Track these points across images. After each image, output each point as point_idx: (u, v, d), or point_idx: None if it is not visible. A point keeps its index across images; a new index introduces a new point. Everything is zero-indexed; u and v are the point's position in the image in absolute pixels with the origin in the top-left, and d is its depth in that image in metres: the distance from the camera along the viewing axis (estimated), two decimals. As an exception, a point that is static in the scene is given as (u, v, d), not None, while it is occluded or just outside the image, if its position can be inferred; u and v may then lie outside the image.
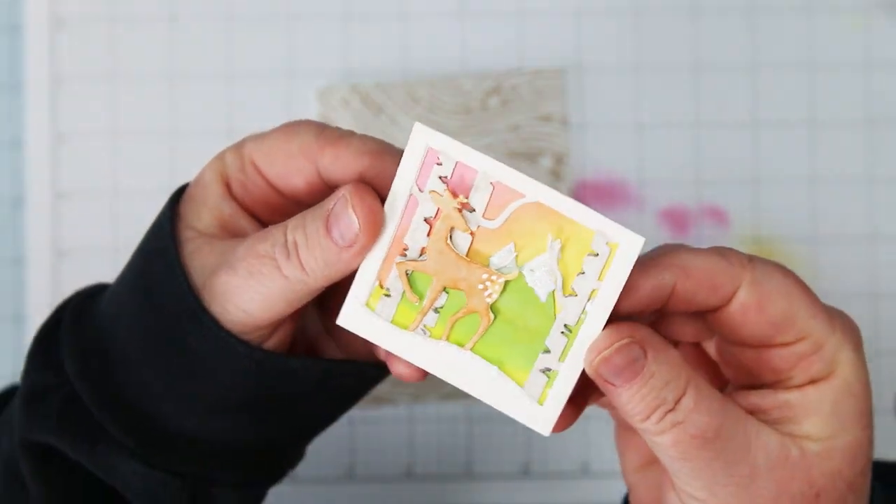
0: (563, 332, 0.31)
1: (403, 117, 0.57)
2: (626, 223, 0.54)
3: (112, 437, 0.35)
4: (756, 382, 0.33)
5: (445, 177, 0.31)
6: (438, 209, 0.32)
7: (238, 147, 0.35)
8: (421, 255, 0.32)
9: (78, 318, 0.37)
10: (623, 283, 0.31)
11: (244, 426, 0.36)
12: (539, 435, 0.56)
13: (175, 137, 0.58)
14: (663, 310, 0.32)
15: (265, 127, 0.57)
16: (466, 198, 0.31)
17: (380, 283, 0.32)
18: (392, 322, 0.32)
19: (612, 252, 0.31)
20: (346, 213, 0.31)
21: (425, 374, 0.33)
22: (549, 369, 0.32)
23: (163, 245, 0.34)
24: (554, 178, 0.57)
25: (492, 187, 0.31)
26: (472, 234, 0.32)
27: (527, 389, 0.32)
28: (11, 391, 0.42)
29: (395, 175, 0.32)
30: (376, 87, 0.57)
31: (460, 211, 0.31)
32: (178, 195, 0.36)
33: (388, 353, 0.33)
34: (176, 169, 0.58)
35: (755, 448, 0.31)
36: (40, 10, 0.58)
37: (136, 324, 0.35)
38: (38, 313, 0.57)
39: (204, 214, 0.34)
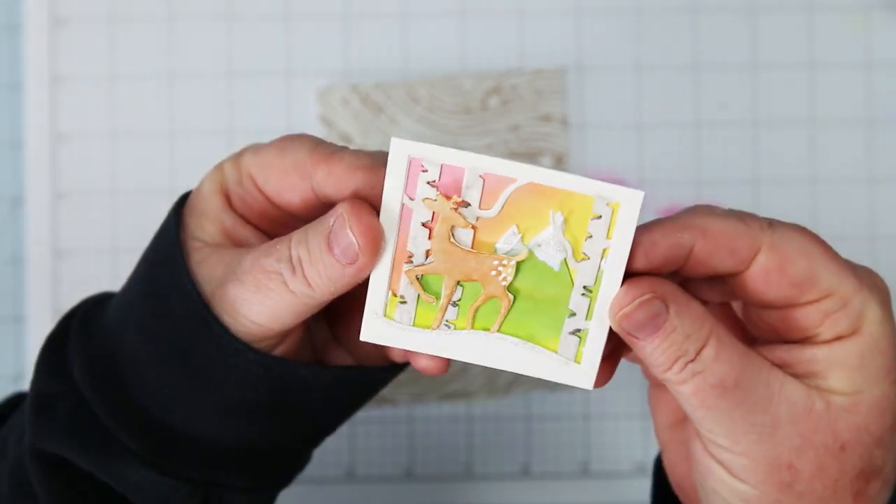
0: (583, 294, 0.32)
1: (403, 117, 0.57)
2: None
3: (122, 445, 0.35)
4: (782, 339, 0.33)
5: (434, 181, 0.32)
6: (434, 213, 0.32)
7: (237, 159, 0.35)
8: (427, 257, 0.33)
9: (86, 326, 0.37)
10: (632, 235, 0.31)
11: (254, 431, 0.36)
12: (539, 435, 0.57)
13: (175, 137, 0.58)
14: (682, 272, 0.32)
15: (265, 127, 0.57)
16: (459, 196, 0.32)
17: (392, 292, 0.33)
18: (414, 325, 0.33)
19: (614, 211, 0.32)
20: (344, 232, 0.31)
21: (448, 365, 0.34)
22: (578, 330, 0.33)
23: (170, 254, 0.34)
24: (554, 178, 0.57)
25: (482, 180, 0.32)
26: (473, 227, 0.32)
27: (561, 353, 0.33)
28: (18, 398, 0.42)
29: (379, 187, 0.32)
30: (376, 87, 0.57)
31: (456, 210, 0.32)
32: (181, 203, 0.36)
33: (408, 351, 0.34)
34: (175, 169, 0.58)
35: (778, 399, 0.31)
36: (40, 10, 0.58)
37: (145, 331, 0.35)
38: (37, 313, 0.57)
39: (207, 225, 0.35)
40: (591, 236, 0.32)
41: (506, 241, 0.32)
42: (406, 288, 0.33)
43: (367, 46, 0.58)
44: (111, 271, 0.57)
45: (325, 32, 0.58)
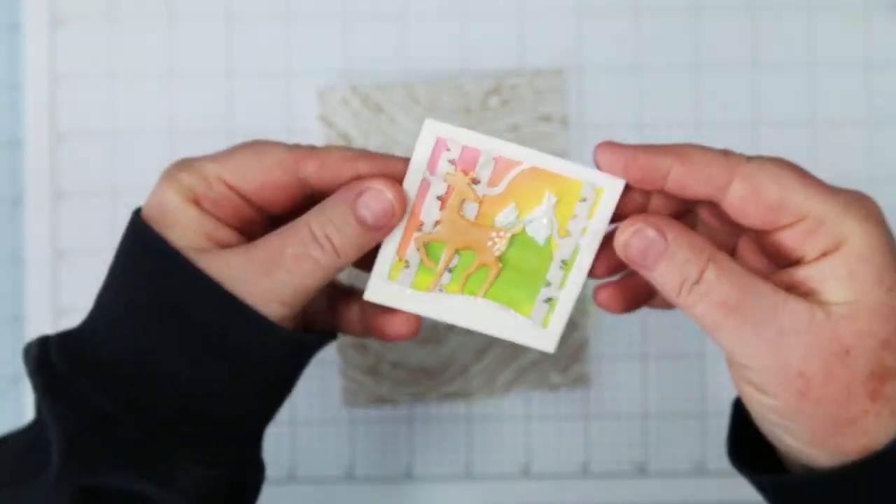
0: (560, 267, 0.37)
1: (403, 117, 0.57)
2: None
3: (168, 450, 0.36)
4: (780, 266, 0.36)
5: (454, 159, 0.36)
6: (450, 187, 0.37)
7: (191, 168, 0.37)
8: (435, 226, 0.37)
9: (77, 359, 0.37)
10: (609, 216, 0.36)
11: (277, 404, 0.39)
12: (539, 436, 0.57)
13: (174, 137, 0.58)
14: (666, 194, 0.36)
15: (265, 127, 0.57)
16: (474, 173, 0.37)
17: (399, 257, 0.37)
18: (412, 287, 0.38)
19: (598, 195, 0.36)
20: (381, 198, 0.36)
21: (417, 329, 0.40)
22: (550, 298, 0.37)
23: (174, 265, 0.36)
24: (554, 178, 0.57)
25: (494, 161, 0.37)
26: (480, 202, 0.37)
27: (533, 318, 0.37)
28: None
29: (388, 170, 0.37)
30: (376, 87, 0.57)
31: (470, 185, 0.37)
32: (137, 226, 0.38)
33: (377, 315, 0.40)
34: (175, 169, 0.57)
35: (781, 314, 0.33)
36: (39, 9, 0.58)
37: (171, 342, 0.36)
38: (36, 314, 0.57)
39: (189, 234, 0.37)
40: (575, 216, 0.37)
41: (504, 216, 0.37)
42: (412, 253, 0.37)
43: (367, 47, 0.58)
44: (111, 271, 0.57)
45: (326, 32, 0.58)
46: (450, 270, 0.37)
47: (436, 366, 0.57)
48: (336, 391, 0.57)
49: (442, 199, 0.37)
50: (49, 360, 0.37)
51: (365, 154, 0.37)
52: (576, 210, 0.36)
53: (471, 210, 0.37)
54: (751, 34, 0.58)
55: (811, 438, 0.34)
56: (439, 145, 0.36)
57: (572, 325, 0.57)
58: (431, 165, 0.36)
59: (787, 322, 0.33)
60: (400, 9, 0.58)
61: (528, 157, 0.37)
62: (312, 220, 0.36)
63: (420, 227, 0.37)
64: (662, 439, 0.57)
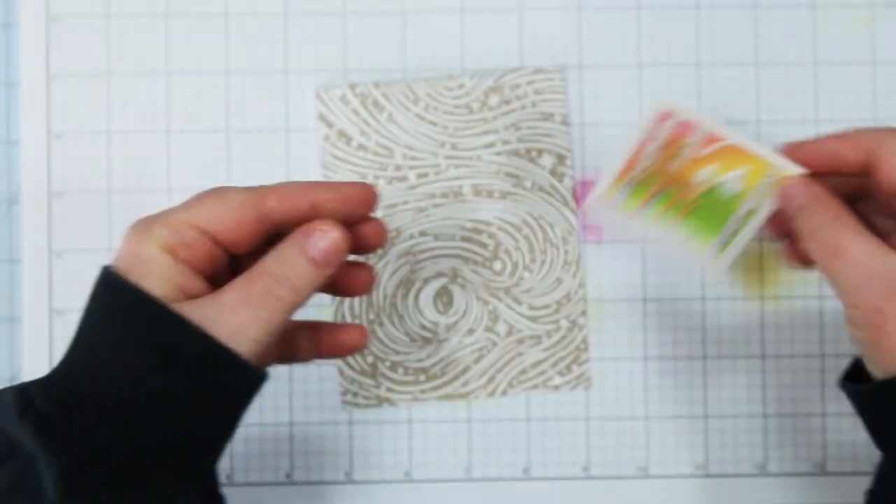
0: (740, 218, 0.46)
1: (403, 116, 0.57)
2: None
3: (156, 477, 0.39)
4: None
5: (673, 125, 0.46)
6: (664, 145, 0.46)
7: (162, 221, 0.40)
8: (645, 171, 0.47)
9: (63, 398, 0.39)
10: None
11: (229, 435, 0.42)
12: (540, 437, 0.56)
13: (171, 136, 0.57)
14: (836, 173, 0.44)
15: (263, 126, 0.57)
16: (686, 139, 0.46)
17: (615, 183, 0.47)
18: (622, 208, 0.47)
19: (779, 178, 0.45)
20: (328, 239, 0.40)
21: (366, 341, 0.47)
22: (731, 235, 0.46)
23: (155, 315, 0.39)
24: (555, 177, 0.57)
25: (705, 134, 0.46)
26: (688, 160, 0.46)
27: (712, 248, 0.46)
28: None
29: (334, 201, 0.41)
30: (375, 86, 0.57)
31: (680, 145, 0.46)
32: (110, 279, 0.40)
33: (331, 334, 0.46)
34: (172, 168, 0.57)
35: (873, 263, 0.41)
36: (35, 7, 0.57)
37: (154, 379, 0.39)
38: (32, 314, 0.57)
39: (162, 283, 0.39)
40: (760, 185, 0.45)
41: (705, 173, 0.46)
42: (627, 182, 0.47)
43: (366, 45, 0.58)
44: (108, 271, 0.57)
45: (324, 30, 0.58)
46: (654, 202, 0.46)
47: (435, 367, 0.57)
48: (335, 392, 0.57)
49: (656, 153, 0.47)
50: (32, 403, 0.39)
51: (320, 183, 0.42)
52: (761, 182, 0.45)
53: (679, 163, 0.46)
54: (753, 32, 0.57)
55: (886, 368, 0.41)
56: (662, 116, 0.47)
57: (573, 326, 0.57)
58: (653, 131, 0.47)
59: (875, 269, 0.40)
60: (399, 7, 0.58)
61: (731, 136, 0.46)
62: (271, 263, 0.40)
63: (634, 165, 0.47)
64: (663, 441, 0.57)
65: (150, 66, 0.58)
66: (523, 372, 0.57)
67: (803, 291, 0.57)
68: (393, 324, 0.57)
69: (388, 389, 0.57)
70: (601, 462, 0.57)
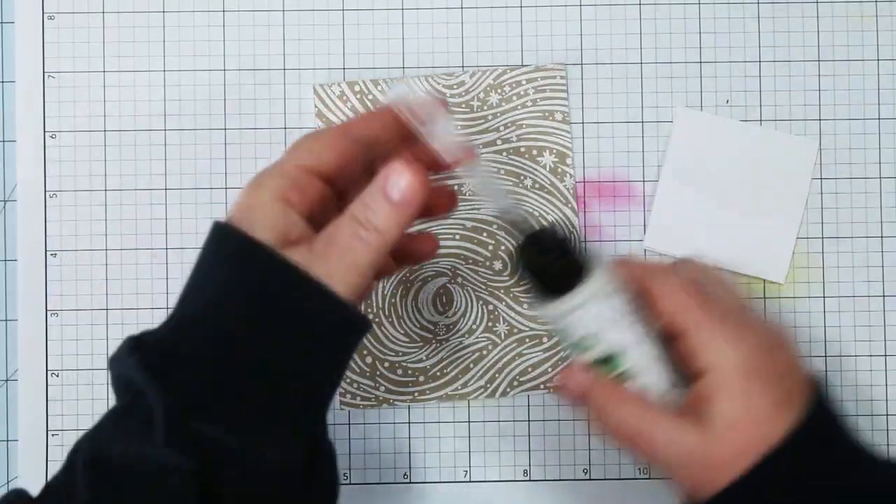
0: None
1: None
2: (629, 222, 0.54)
3: (262, 416, 0.40)
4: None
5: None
6: None
7: (271, 171, 0.42)
8: None
9: (171, 352, 0.40)
10: None
11: (333, 381, 0.43)
12: (540, 438, 0.56)
13: (168, 135, 0.57)
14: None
15: (261, 123, 0.56)
16: None
17: None
18: None
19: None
20: (404, 179, 0.42)
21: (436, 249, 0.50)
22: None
23: (266, 261, 0.40)
24: (555, 175, 0.56)
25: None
26: None
27: None
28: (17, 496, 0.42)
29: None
30: (374, 83, 0.56)
31: None
32: (220, 230, 0.42)
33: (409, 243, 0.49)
34: (170, 166, 0.57)
35: (660, 441, 0.42)
36: (31, 5, 0.57)
37: (260, 324, 0.40)
38: (27, 314, 0.56)
39: (271, 233, 0.41)
40: None
41: None
42: None
43: (365, 41, 0.57)
44: (103, 271, 0.57)
45: (323, 27, 0.57)
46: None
47: (435, 367, 0.57)
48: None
49: None
50: (141, 345, 0.40)
51: (387, 107, 0.44)
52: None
53: None
54: (756, 29, 0.57)
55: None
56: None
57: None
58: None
59: (674, 448, 0.42)
60: (399, 3, 0.57)
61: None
62: (354, 207, 0.42)
63: None
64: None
65: (147, 65, 0.57)
66: (523, 373, 0.56)
67: (806, 291, 0.57)
68: (392, 324, 0.57)
69: (387, 390, 0.56)
70: (601, 464, 0.57)
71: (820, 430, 0.42)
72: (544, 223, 0.45)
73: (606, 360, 0.43)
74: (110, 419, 0.40)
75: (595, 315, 0.43)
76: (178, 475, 0.38)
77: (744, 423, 0.41)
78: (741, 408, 0.41)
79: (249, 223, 0.41)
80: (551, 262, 0.43)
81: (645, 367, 0.43)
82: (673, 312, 0.43)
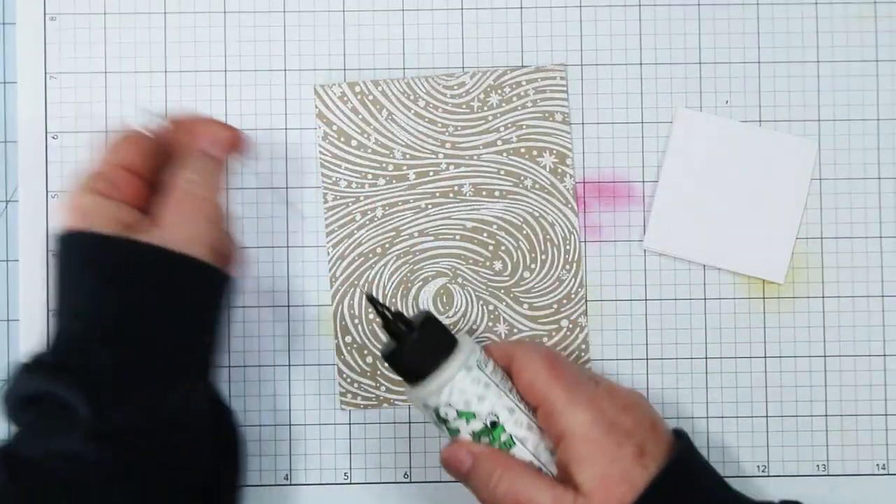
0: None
1: (402, 114, 0.56)
2: (628, 222, 0.54)
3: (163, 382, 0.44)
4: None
5: None
6: None
7: (85, 176, 0.47)
8: None
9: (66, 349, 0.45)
10: None
11: (211, 339, 0.48)
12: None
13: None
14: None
15: (262, 124, 0.57)
16: None
17: None
18: None
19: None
20: (210, 132, 0.49)
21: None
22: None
23: (122, 248, 0.44)
24: (555, 176, 0.56)
25: None
26: None
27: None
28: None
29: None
30: (374, 84, 0.56)
31: None
32: (67, 239, 0.45)
33: None
34: (171, 167, 0.57)
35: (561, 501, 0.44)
36: (33, 6, 0.57)
37: (138, 298, 0.44)
38: (29, 314, 0.56)
39: (106, 223, 0.45)
40: None
41: None
42: None
43: (365, 42, 0.57)
44: (105, 271, 0.57)
45: (324, 28, 0.57)
46: None
47: (435, 367, 0.56)
48: (334, 393, 0.57)
49: None
50: (42, 359, 0.45)
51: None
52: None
53: None
54: (755, 30, 0.57)
55: None
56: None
57: (574, 326, 0.56)
58: None
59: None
60: (399, 4, 0.57)
61: None
62: (181, 175, 0.47)
63: None
64: (665, 442, 0.56)
65: (148, 65, 0.57)
66: (524, 372, 0.56)
67: (806, 292, 0.57)
68: (392, 324, 0.57)
69: (388, 390, 0.56)
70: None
71: (684, 475, 0.45)
72: (393, 314, 0.47)
73: (487, 430, 0.46)
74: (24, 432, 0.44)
75: (469, 385, 0.45)
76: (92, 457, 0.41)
77: (607, 481, 0.43)
78: (602, 466, 0.44)
79: (86, 225, 0.45)
80: (413, 346, 0.45)
81: (524, 435, 0.46)
82: (532, 382, 0.46)
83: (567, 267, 0.57)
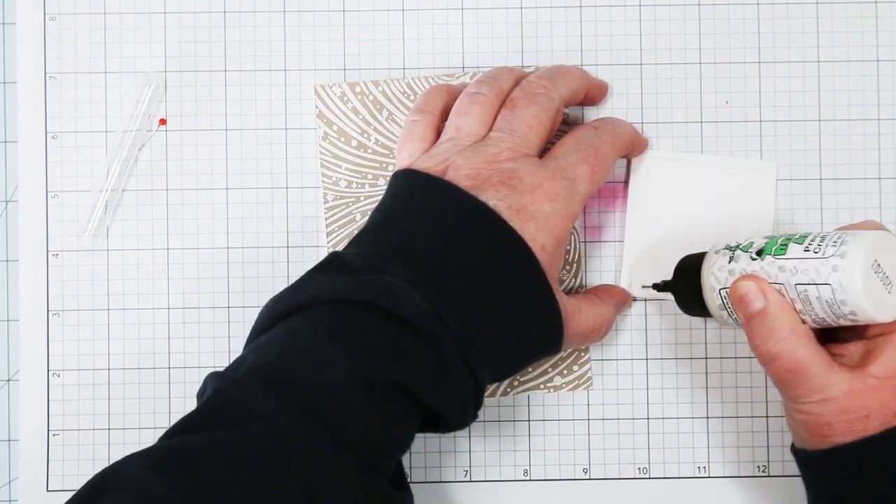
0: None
1: (402, 114, 0.56)
2: (628, 222, 0.53)
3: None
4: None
5: None
6: None
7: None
8: None
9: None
10: None
11: None
12: (541, 438, 0.56)
13: (169, 135, 0.57)
14: None
15: (262, 124, 0.57)
16: None
17: None
18: None
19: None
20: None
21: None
22: None
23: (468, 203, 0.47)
24: (555, 176, 0.56)
25: None
26: None
27: None
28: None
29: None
30: (375, 84, 0.56)
31: None
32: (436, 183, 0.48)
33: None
34: (170, 166, 0.57)
35: (828, 384, 0.44)
36: (32, 6, 0.57)
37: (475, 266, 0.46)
38: (29, 314, 0.56)
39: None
40: None
41: None
42: None
43: (365, 42, 0.57)
44: (104, 271, 0.57)
45: (324, 28, 0.57)
46: None
47: (435, 367, 0.56)
48: (334, 393, 0.57)
49: None
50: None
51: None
52: None
53: None
54: (755, 30, 0.57)
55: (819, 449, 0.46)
56: None
57: (574, 326, 0.56)
58: None
59: (834, 389, 0.44)
60: (399, 4, 0.57)
61: None
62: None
63: None
64: (664, 442, 0.56)
65: (148, 65, 0.57)
66: (524, 373, 0.56)
67: (805, 291, 0.57)
68: (392, 324, 0.57)
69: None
70: (601, 463, 0.56)
71: None
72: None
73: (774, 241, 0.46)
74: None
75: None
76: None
77: None
78: None
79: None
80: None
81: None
82: None
83: (567, 267, 0.57)
